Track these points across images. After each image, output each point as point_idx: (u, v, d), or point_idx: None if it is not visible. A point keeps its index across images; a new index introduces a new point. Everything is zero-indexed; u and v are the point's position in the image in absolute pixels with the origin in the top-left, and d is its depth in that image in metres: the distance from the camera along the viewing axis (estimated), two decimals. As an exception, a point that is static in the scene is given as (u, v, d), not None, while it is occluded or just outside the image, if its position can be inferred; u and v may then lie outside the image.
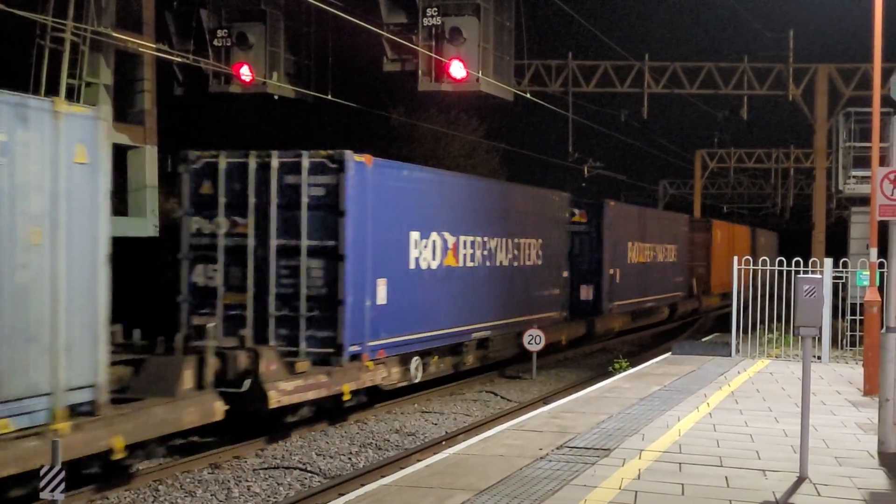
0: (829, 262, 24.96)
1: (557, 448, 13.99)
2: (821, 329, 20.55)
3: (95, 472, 15.06)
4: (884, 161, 19.87)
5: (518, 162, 62.04)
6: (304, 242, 20.77)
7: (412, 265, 23.58)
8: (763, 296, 25.30)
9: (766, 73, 42.03)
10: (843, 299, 26.13)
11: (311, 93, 30.30)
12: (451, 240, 25.51)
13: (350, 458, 18.50)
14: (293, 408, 19.65)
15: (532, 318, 30.31)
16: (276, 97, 29.92)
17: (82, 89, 25.19)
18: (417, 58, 26.67)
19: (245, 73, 28.63)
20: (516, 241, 29.86)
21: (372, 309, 21.59)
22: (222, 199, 20.98)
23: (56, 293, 13.51)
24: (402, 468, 14.14)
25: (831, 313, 24.87)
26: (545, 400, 24.40)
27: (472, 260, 26.82)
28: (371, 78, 36.19)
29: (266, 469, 17.41)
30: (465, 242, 26.31)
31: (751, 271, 25.45)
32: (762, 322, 26.23)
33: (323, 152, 21.06)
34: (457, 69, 25.90)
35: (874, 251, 19.27)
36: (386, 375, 22.37)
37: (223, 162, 21.00)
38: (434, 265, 24.60)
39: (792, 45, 41.35)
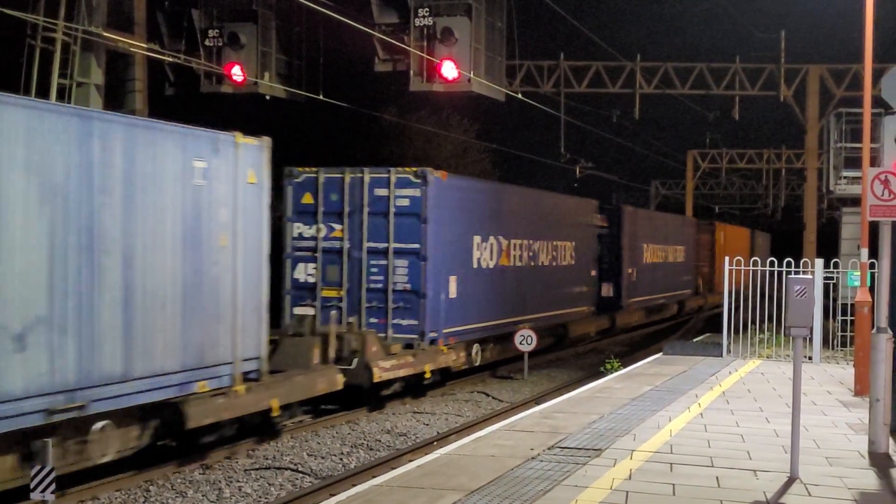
0: (820, 262, 24.99)
1: (549, 448, 13.99)
2: (812, 329, 20.65)
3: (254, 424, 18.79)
4: (875, 161, 19.90)
5: (510, 162, 62.10)
6: (392, 245, 24.71)
7: (475, 264, 27.44)
8: (754, 296, 25.32)
9: (757, 74, 42.08)
10: (834, 300, 26.19)
11: (303, 93, 30.30)
12: (504, 242, 29.40)
13: (341, 459, 18.49)
14: (387, 383, 23.55)
15: (567, 312, 34.64)
16: (267, 97, 29.91)
17: (73, 89, 25.18)
18: (409, 58, 26.67)
19: (237, 73, 28.61)
20: (554, 243, 33.58)
21: (445, 302, 25.61)
22: (321, 208, 24.83)
23: (235, 285, 17.61)
24: (393, 468, 14.12)
25: (822, 314, 24.91)
26: (537, 400, 24.41)
27: (520, 260, 30.63)
28: (363, 78, 36.22)
29: (257, 469, 17.39)
30: (514, 245, 30.18)
31: (742, 272, 25.48)
32: (753, 322, 26.25)
33: (409, 169, 25.06)
34: (448, 69, 25.90)
35: (865, 252, 19.31)
36: (455, 359, 26.33)
37: (322, 177, 24.84)
38: (491, 264, 28.49)
39: (783, 45, 41.42)
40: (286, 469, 17.49)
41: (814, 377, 21.95)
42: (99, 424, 15.01)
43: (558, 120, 42.79)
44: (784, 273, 22.59)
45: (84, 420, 14.66)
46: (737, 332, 26.02)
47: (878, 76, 23.68)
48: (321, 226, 24.70)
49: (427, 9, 26.20)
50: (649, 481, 11.99)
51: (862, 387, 18.78)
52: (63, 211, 14.20)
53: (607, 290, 39.82)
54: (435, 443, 19.40)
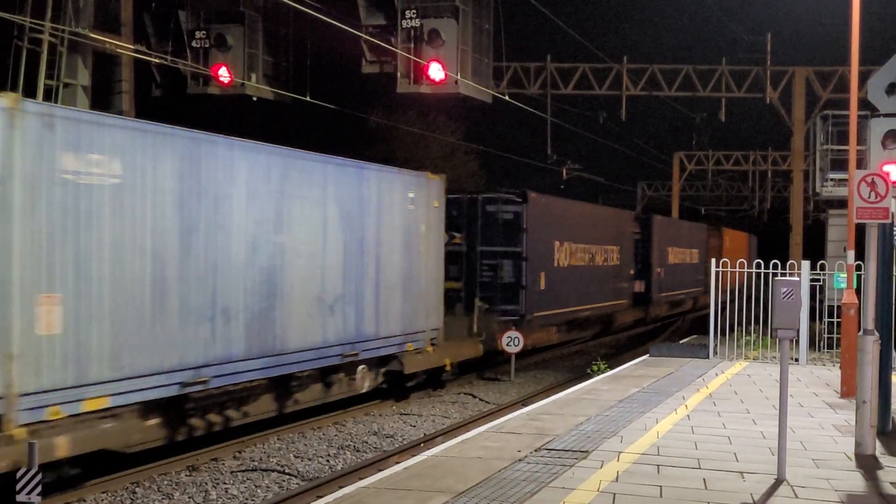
0: (806, 264, 25.05)
1: (536, 450, 13.99)
2: (798, 331, 20.69)
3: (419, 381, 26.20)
4: (861, 164, 19.95)
5: (497, 164, 62.14)
6: (499, 249, 32.44)
7: (555, 264, 35.52)
8: (741, 298, 25.36)
9: (743, 76, 42.16)
10: (821, 301, 26.24)
11: (290, 94, 30.24)
12: (573, 246, 37.43)
13: (328, 461, 18.48)
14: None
15: (613, 303, 43.20)
16: (254, 99, 29.85)
17: (60, 90, 25.10)
18: (396, 60, 26.63)
19: (223, 74, 28.55)
20: (605, 247, 41.70)
21: (538, 292, 33.59)
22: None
23: (428, 277, 25.86)
24: (380, 470, 14.12)
25: (809, 316, 24.96)
26: (523, 402, 24.43)
27: (583, 261, 38.69)
28: (350, 80, 36.18)
29: (244, 471, 17.37)
30: (579, 248, 38.13)
31: (736, 273, 25.54)
32: (740, 324, 26.30)
33: (512, 191, 33.02)
34: (435, 71, 25.88)
35: (851, 253, 19.36)
36: (545, 336, 34.96)
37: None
38: (565, 264, 36.48)
39: (769, 47, 41.49)
40: (273, 471, 17.48)
41: (800, 379, 22.00)
42: (361, 367, 22.99)
43: (545, 121, 42.80)
44: (771, 275, 22.64)
45: (355, 364, 22.65)
46: (723, 333, 26.06)
47: (864, 78, 23.74)
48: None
49: (414, 10, 26.17)
50: (636, 483, 12.00)
51: (848, 389, 18.82)
52: (349, 229, 22.19)
53: (640, 286, 47.61)
54: (422, 444, 19.40)
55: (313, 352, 20.74)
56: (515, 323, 31.47)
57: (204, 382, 17.48)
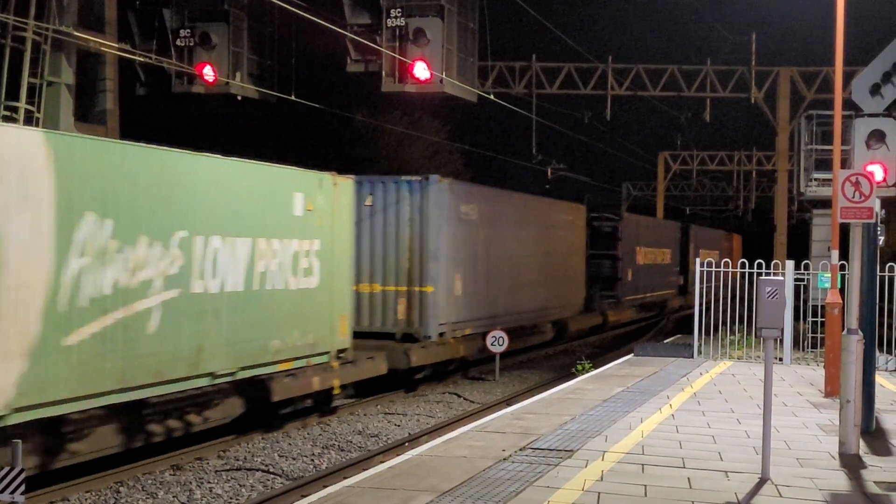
0: (790, 264, 25.09)
1: (520, 449, 13.99)
2: (783, 331, 20.73)
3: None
4: (845, 164, 19.99)
5: (482, 163, 62.14)
6: (602, 252, 45.40)
7: (636, 262, 50.42)
8: (725, 297, 25.40)
9: (728, 76, 42.22)
10: (805, 301, 26.30)
11: (275, 93, 30.20)
12: (646, 250, 52.73)
13: (313, 460, 18.46)
14: (617, 324, 45.89)
15: (667, 292, 59.28)
16: (239, 97, 29.79)
17: (44, 88, 25.03)
18: (381, 59, 26.60)
19: (208, 73, 28.48)
20: (663, 249, 57.36)
21: (626, 283, 48.20)
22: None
23: (578, 269, 42.74)
24: (364, 470, 14.09)
25: (793, 315, 25.01)
26: (508, 401, 24.42)
27: (651, 260, 54.13)
28: (334, 79, 36.16)
29: (228, 470, 17.33)
30: (650, 251, 53.65)
31: (721, 272, 25.58)
32: (724, 323, 26.35)
33: (612, 212, 47.79)
34: (420, 70, 25.87)
35: (835, 253, 19.41)
36: (634, 314, 50.54)
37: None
38: (641, 262, 51.60)
39: (754, 48, 41.56)
40: (257, 470, 17.45)
41: (784, 378, 22.04)
42: (548, 324, 37.83)
43: (530, 121, 42.82)
44: (755, 274, 22.67)
45: (547, 319, 37.67)
46: (707, 333, 26.11)
47: (848, 79, 23.83)
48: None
49: (399, 9, 26.15)
50: (621, 482, 12.01)
51: (832, 388, 18.87)
52: (540, 240, 36.11)
53: (680, 280, 62.36)
54: (406, 444, 19.38)
55: (534, 312, 36.30)
56: (613, 304, 46.56)
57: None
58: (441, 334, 27.83)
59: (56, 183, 14.95)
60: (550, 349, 38.46)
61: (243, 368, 19.14)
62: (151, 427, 17.17)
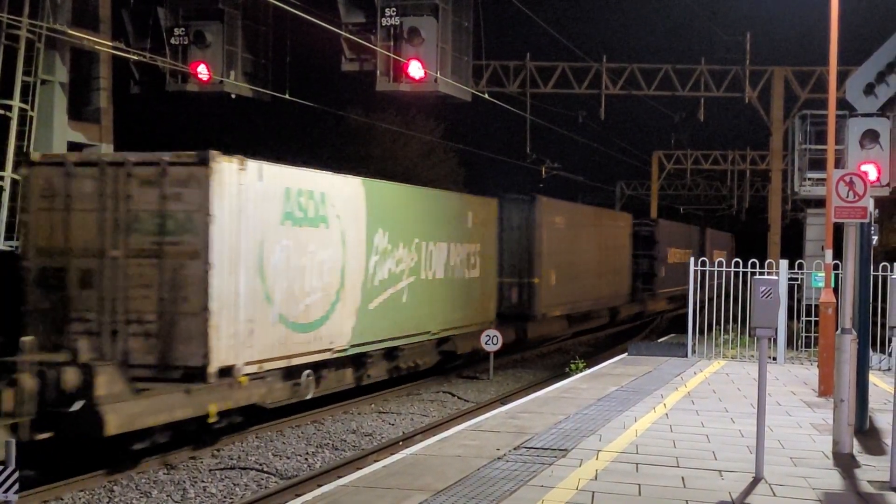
0: (784, 263, 25.10)
1: (515, 448, 13.99)
2: (777, 330, 20.73)
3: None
4: (839, 163, 20.00)
5: (476, 162, 62.11)
6: (642, 252, 52.39)
7: (668, 261, 56.46)
8: (719, 297, 25.42)
9: (722, 76, 42.19)
10: (799, 300, 26.31)
11: (269, 92, 30.19)
12: (674, 250, 58.75)
13: (307, 459, 18.45)
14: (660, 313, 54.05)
15: (685, 287, 64.69)
16: (233, 96, 29.77)
17: (38, 87, 25.00)
18: (376, 58, 26.62)
19: (202, 71, 28.47)
20: (686, 250, 59.78)
21: (660, 278, 54.39)
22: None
23: (626, 267, 50.26)
24: (358, 469, 14.09)
25: (786, 315, 25.03)
26: (502, 400, 24.43)
27: (678, 259, 57.53)
28: (329, 78, 36.12)
29: (222, 469, 17.32)
30: (677, 251, 59.22)
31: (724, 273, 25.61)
32: (718, 323, 26.36)
33: (651, 219, 56.92)
34: (415, 69, 25.88)
35: (829, 253, 19.38)
36: (663, 305, 57.04)
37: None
38: (671, 261, 57.42)
39: (748, 47, 41.55)
40: (251, 469, 17.44)
41: (778, 378, 22.06)
42: (604, 309, 45.38)
43: (524, 120, 42.79)
44: (749, 274, 22.69)
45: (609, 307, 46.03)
46: (701, 332, 26.12)
47: (842, 78, 23.81)
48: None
49: (394, 9, 26.16)
50: (615, 481, 12.01)
51: (826, 387, 18.88)
52: (601, 242, 44.04)
53: None
54: (401, 443, 19.40)
55: (597, 299, 43.55)
56: (650, 295, 53.31)
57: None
58: (543, 314, 36.06)
59: (366, 209, 23.98)
60: (603, 332, 46.54)
61: (443, 330, 28.70)
62: (399, 364, 26.50)
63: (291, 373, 20.94)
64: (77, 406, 16.03)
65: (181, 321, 18.10)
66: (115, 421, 16.03)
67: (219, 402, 18.23)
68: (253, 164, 19.26)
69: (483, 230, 31.69)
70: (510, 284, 34.69)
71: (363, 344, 23.79)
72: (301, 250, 21.05)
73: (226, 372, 18.41)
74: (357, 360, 24.07)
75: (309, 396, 21.79)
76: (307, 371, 21.46)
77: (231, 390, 18.63)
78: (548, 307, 36.35)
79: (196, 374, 17.92)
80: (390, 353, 25.79)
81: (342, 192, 22.89)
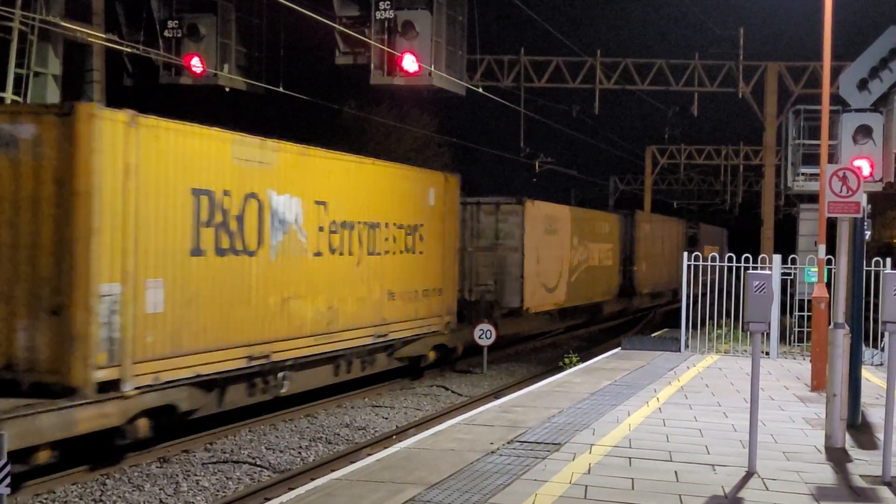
0: (777, 258, 25.13)
1: (508, 442, 14.00)
2: (770, 325, 20.75)
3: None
4: (833, 158, 20.04)
5: (470, 156, 62.11)
6: (688, 249, 46.48)
7: (704, 256, 55.68)
8: (712, 291, 25.44)
9: (716, 71, 42.19)
10: (792, 295, 26.34)
11: (263, 85, 30.15)
12: (709, 247, 61.38)
13: (300, 453, 18.44)
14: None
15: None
16: (227, 89, 29.73)
17: (31, 79, 24.93)
18: (370, 51, 26.59)
19: (196, 64, 28.45)
20: (714, 246, 67.66)
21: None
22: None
23: (673, 261, 56.82)
24: (352, 462, 14.11)
25: (779, 309, 25.06)
26: (496, 394, 24.43)
27: (707, 253, 50.99)
28: (323, 71, 36.09)
29: (215, 463, 17.31)
30: (710, 248, 60.06)
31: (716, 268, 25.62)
32: (711, 318, 26.39)
33: (695, 223, 68.67)
34: (409, 63, 25.86)
35: (822, 248, 19.43)
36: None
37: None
38: (707, 254, 63.37)
39: (742, 42, 41.56)
40: (244, 463, 17.43)
41: (771, 372, 22.09)
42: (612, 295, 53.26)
43: (518, 114, 42.79)
44: (742, 269, 22.71)
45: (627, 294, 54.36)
46: (695, 327, 26.14)
47: (836, 74, 23.82)
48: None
49: (388, 2, 26.14)
50: (608, 475, 12.02)
51: (819, 382, 18.92)
52: (667, 241, 58.58)
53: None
54: (394, 437, 19.40)
55: (667, 284, 55.84)
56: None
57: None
58: (640, 292, 53.11)
59: (571, 227, 40.79)
60: (664, 309, 56.92)
61: (602, 297, 46.88)
62: (591, 316, 44.49)
63: (549, 314, 39.73)
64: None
65: (508, 284, 34.53)
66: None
67: (529, 330, 38.14)
68: (537, 203, 37.09)
69: (615, 234, 49.24)
70: (622, 271, 50.38)
71: (569, 301, 41.30)
72: (548, 248, 37.74)
73: (528, 310, 35.66)
74: (569, 311, 42.36)
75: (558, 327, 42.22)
76: (549, 313, 39.45)
77: (530, 320, 37.09)
78: (641, 287, 52.90)
79: (515, 312, 34.92)
80: (582, 309, 44.44)
81: (563, 214, 40.72)
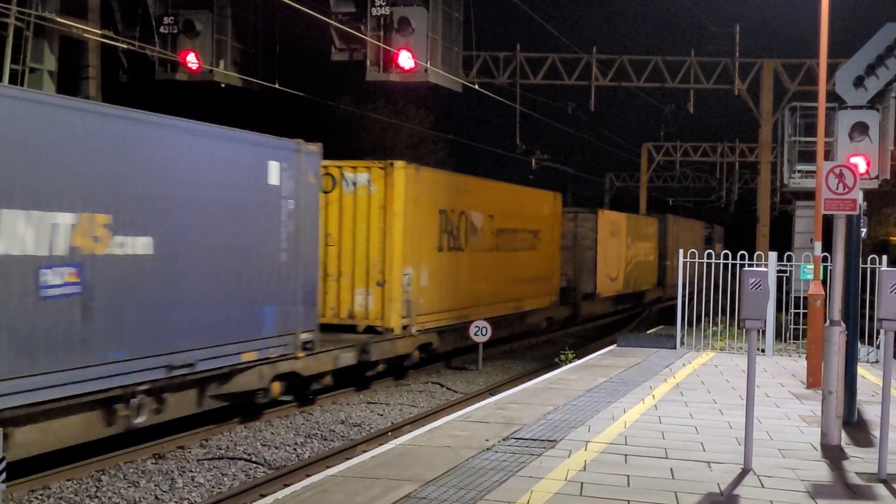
0: (773, 255, 25.14)
1: (504, 439, 13.99)
2: (765, 322, 20.75)
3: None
4: (829, 155, 20.03)
5: (465, 153, 62.11)
6: (705, 247, 54.42)
7: (716, 251, 60.69)
8: (708, 288, 25.44)
9: (712, 68, 42.22)
10: (787, 293, 26.35)
11: (258, 81, 30.11)
12: (718, 245, 69.75)
13: (295, 449, 18.43)
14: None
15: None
16: (222, 85, 29.68)
17: (26, 75, 24.89)
18: (365, 47, 26.56)
19: (192, 60, 28.40)
20: (719, 244, 72.67)
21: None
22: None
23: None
24: (347, 459, 14.09)
25: (775, 307, 25.06)
26: (491, 391, 24.43)
27: (718, 250, 53.27)
28: (319, 67, 36.08)
29: (210, 459, 17.29)
30: (720, 246, 67.39)
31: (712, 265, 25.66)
32: (707, 315, 26.39)
33: (710, 224, 77.92)
34: (405, 59, 25.83)
35: (818, 245, 19.42)
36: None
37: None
38: (717, 251, 64.74)
39: (738, 39, 41.57)
40: (240, 459, 17.41)
41: (767, 369, 22.09)
42: None
43: (514, 111, 42.80)
44: (738, 266, 22.71)
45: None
46: (690, 324, 26.14)
47: (832, 71, 23.83)
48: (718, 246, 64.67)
49: (384, -2, 26.11)
50: (604, 472, 12.02)
51: (814, 379, 18.92)
52: (692, 239, 62.21)
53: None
54: (389, 433, 19.38)
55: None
56: None
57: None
58: (669, 283, 54.60)
59: (626, 230, 50.38)
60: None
61: (646, 287, 56.30)
62: (622, 307, 51.23)
63: (612, 298, 48.10)
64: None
65: (584, 274, 43.70)
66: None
67: (601, 310, 47.26)
68: (605, 212, 47.53)
69: (654, 234, 58.03)
70: (658, 265, 58.60)
71: (625, 289, 49.97)
72: (611, 246, 46.65)
73: (599, 295, 44.64)
74: (624, 297, 50.51)
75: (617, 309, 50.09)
76: (612, 298, 47.24)
77: (601, 302, 46.03)
78: (671, 279, 54.22)
79: (590, 296, 43.97)
80: (632, 295, 52.42)
81: (621, 220, 49.92)
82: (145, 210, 16.33)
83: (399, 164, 25.70)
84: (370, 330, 25.14)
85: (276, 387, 20.53)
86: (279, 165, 19.89)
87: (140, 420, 16.65)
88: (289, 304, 20.31)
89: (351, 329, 25.09)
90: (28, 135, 14.12)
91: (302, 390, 21.92)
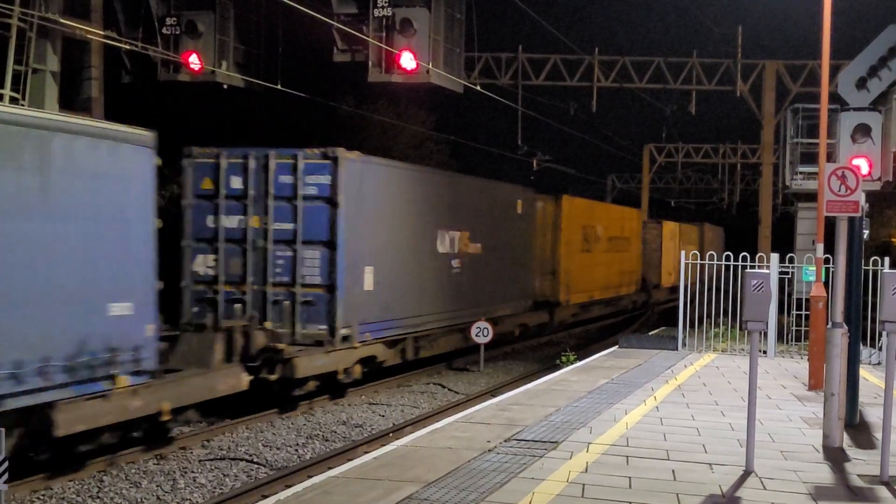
0: (775, 257, 25.13)
1: (505, 440, 14.00)
2: (767, 324, 20.74)
3: None
4: (831, 157, 20.03)
5: (467, 154, 62.09)
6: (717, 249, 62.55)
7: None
8: (710, 290, 25.43)
9: (714, 69, 42.22)
10: (789, 294, 26.34)
11: (261, 82, 30.11)
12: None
13: (297, 450, 18.44)
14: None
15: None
16: (225, 86, 29.68)
17: (29, 76, 24.90)
18: (367, 48, 26.55)
19: (194, 61, 28.40)
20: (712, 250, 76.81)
21: None
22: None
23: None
24: (349, 460, 14.09)
25: (777, 308, 25.05)
26: (493, 392, 24.43)
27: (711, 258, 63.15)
28: (321, 68, 36.07)
29: (212, 460, 17.31)
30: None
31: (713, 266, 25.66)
32: (709, 316, 26.38)
33: (717, 225, 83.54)
34: (407, 60, 25.82)
35: (820, 247, 19.43)
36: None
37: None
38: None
39: (740, 41, 41.57)
40: (241, 460, 17.43)
41: (768, 371, 22.09)
42: None
43: (516, 112, 42.80)
44: (740, 268, 22.70)
45: None
46: (692, 325, 26.14)
47: (834, 72, 23.83)
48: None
49: (386, -1, 26.10)
50: (606, 474, 12.02)
51: (816, 381, 18.92)
52: (716, 243, 77.85)
53: None
54: (391, 434, 19.40)
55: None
56: None
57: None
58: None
59: (679, 235, 63.20)
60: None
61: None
62: (675, 296, 48.58)
63: (669, 289, 55.82)
64: None
65: (652, 269, 55.82)
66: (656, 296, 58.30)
67: (665, 298, 58.30)
68: (666, 222, 59.75)
69: (696, 239, 66.71)
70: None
71: (676, 283, 48.16)
72: (669, 248, 55.44)
73: (662, 286, 58.04)
74: (675, 289, 49.33)
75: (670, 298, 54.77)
76: (669, 288, 53.93)
77: (664, 292, 58.09)
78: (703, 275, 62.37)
79: (657, 286, 57.03)
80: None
81: (675, 227, 59.39)
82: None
83: (565, 196, 39.71)
84: (542, 303, 38.32)
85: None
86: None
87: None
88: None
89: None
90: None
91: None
